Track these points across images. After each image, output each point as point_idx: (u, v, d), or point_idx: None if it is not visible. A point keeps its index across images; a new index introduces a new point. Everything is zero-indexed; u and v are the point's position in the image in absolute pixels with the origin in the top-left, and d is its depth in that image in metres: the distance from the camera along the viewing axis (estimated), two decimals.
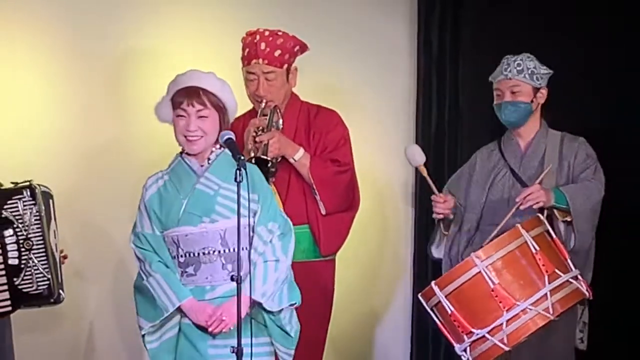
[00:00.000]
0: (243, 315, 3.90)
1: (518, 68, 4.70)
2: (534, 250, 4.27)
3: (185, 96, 4.07)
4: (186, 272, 4.07)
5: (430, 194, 4.77)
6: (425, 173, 4.70)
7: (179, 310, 4.04)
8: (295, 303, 4.11)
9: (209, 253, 4.04)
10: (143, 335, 4.10)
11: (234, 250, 4.00)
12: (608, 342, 5.06)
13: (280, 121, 4.77)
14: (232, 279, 3.86)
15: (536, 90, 4.73)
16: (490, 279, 4.22)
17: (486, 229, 4.72)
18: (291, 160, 4.74)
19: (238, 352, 3.78)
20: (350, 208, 4.89)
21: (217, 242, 4.03)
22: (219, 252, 4.04)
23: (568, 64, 5.20)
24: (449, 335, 4.39)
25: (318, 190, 4.76)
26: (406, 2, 5.80)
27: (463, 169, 4.97)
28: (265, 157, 4.57)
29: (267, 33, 4.77)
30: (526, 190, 4.54)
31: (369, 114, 5.73)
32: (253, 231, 4.04)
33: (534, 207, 4.51)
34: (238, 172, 3.79)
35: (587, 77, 5.43)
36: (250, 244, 4.01)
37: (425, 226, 5.52)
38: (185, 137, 4.09)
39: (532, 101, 4.72)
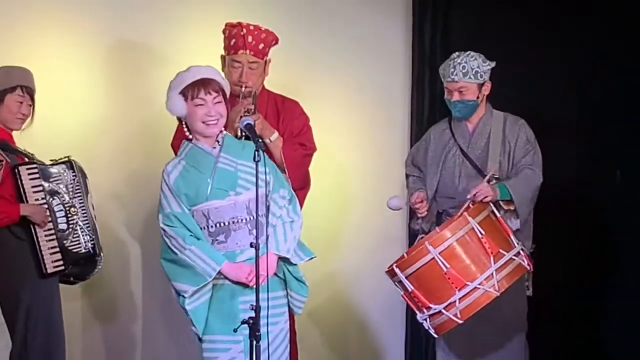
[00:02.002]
0: (271, 272, 4.45)
1: (463, 71, 5.06)
2: (480, 235, 4.72)
3: (202, 87, 4.51)
4: (217, 240, 4.51)
5: None
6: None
7: (218, 273, 4.48)
8: (314, 256, 4.67)
9: (238, 222, 4.50)
10: (183, 298, 4.46)
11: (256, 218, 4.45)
12: (550, 289, 5.53)
13: (253, 106, 5.20)
14: (251, 245, 4.29)
15: (481, 85, 5.11)
16: (442, 264, 4.69)
17: (441, 200, 5.24)
18: (267, 141, 5.16)
19: (256, 308, 4.20)
20: (305, 187, 5.37)
21: (244, 211, 4.50)
22: (245, 220, 4.50)
23: (553, 63, 5.57)
24: (412, 305, 4.89)
25: (288, 169, 5.19)
26: (402, 8, 6.18)
27: (420, 143, 5.43)
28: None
29: (252, 27, 5.21)
30: (477, 188, 4.95)
31: (370, 106, 6.21)
32: (268, 200, 4.52)
33: (484, 200, 4.92)
34: (257, 152, 4.26)
35: (572, 77, 5.74)
36: (268, 210, 4.49)
37: None
38: (204, 122, 4.51)
39: (477, 97, 5.12)
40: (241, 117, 4.97)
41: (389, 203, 5.25)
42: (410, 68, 6.17)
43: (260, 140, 4.34)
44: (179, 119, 4.63)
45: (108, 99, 5.76)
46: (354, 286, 6.19)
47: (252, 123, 4.53)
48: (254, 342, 4.18)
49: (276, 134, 5.22)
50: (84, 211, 5.01)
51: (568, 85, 5.73)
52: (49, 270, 4.90)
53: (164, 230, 4.53)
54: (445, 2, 6.11)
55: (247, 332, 4.28)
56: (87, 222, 5.01)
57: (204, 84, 4.52)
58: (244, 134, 4.97)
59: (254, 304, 4.21)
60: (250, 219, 4.50)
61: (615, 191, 5.64)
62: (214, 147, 4.57)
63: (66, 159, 5.04)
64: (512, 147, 5.14)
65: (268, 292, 4.41)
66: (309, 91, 5.64)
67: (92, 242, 5.01)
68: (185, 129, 4.61)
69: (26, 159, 4.98)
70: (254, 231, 4.43)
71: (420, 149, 5.40)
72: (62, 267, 4.95)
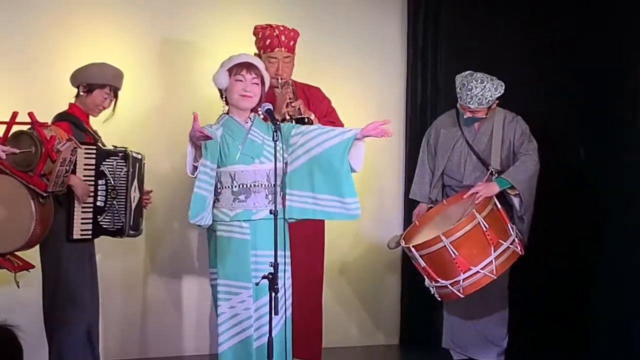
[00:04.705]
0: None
1: (478, 101, 5.79)
2: (484, 229, 5.51)
3: (244, 67, 5.21)
4: (238, 198, 5.14)
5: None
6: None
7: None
8: None
9: (258, 185, 5.17)
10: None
11: (273, 185, 5.12)
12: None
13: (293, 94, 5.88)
14: (270, 212, 4.88)
15: (490, 106, 5.87)
16: (452, 251, 5.48)
17: (448, 179, 6.07)
18: (306, 121, 5.77)
19: (275, 266, 4.71)
20: None
21: (264, 178, 5.17)
22: (264, 185, 5.18)
23: (532, 60, 6.14)
24: (422, 274, 5.71)
25: None
26: (397, 6, 6.73)
27: (430, 130, 6.19)
28: (303, 116, 5.73)
29: (281, 28, 5.85)
30: (473, 189, 5.75)
31: (370, 91, 6.81)
32: (284, 173, 5.14)
33: (480, 199, 5.67)
34: (275, 133, 4.90)
35: (556, 69, 6.36)
36: (282, 183, 5.13)
37: (413, 172, 6.49)
38: (240, 95, 5.20)
39: (486, 114, 5.88)
40: (287, 104, 5.65)
41: (389, 244, 6.04)
42: (405, 61, 6.83)
43: (278, 123, 4.96)
44: (220, 92, 5.26)
45: (159, 90, 6.31)
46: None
47: (272, 108, 5.11)
48: (273, 294, 4.71)
49: (313, 115, 5.84)
50: (123, 196, 5.37)
51: (540, 83, 6.40)
52: (75, 237, 5.28)
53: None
54: (435, 7, 6.73)
55: (257, 280, 4.88)
56: (123, 205, 5.37)
57: (247, 65, 5.22)
58: (292, 116, 5.66)
59: (273, 261, 4.74)
60: (268, 185, 5.17)
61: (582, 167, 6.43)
62: (247, 122, 5.25)
63: (123, 148, 5.41)
64: (511, 141, 5.92)
65: (286, 250, 5.13)
66: (324, 78, 6.18)
67: (122, 223, 5.39)
68: (224, 103, 5.26)
69: (92, 139, 5.43)
70: (270, 196, 5.15)
71: (431, 134, 6.15)
72: (90, 236, 5.39)
